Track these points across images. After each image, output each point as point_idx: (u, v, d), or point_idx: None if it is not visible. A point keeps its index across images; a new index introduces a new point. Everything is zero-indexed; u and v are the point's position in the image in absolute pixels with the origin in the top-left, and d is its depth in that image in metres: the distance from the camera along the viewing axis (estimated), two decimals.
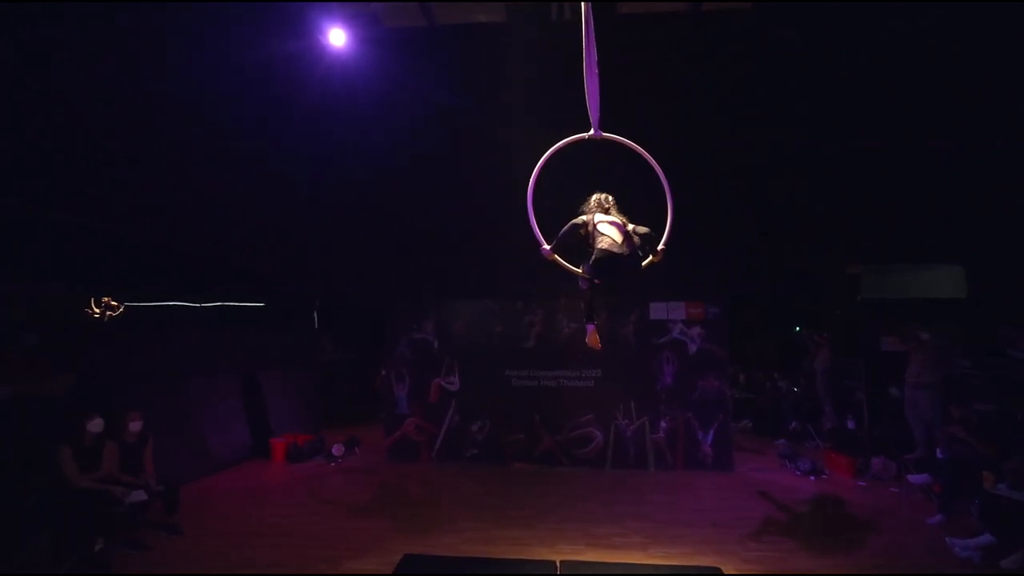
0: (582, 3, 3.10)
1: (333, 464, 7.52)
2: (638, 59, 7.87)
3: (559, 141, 3.32)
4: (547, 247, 3.27)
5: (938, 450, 6.21)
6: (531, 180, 3.19)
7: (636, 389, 7.52)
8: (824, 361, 7.97)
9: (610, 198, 3.55)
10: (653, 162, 3.37)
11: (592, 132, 3.28)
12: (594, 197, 3.54)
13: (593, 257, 3.23)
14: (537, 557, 4.60)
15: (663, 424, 7.45)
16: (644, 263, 3.34)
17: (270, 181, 8.28)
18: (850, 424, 7.84)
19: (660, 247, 3.33)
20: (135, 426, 4.87)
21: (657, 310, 7.64)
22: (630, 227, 3.35)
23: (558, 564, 4.41)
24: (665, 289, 7.70)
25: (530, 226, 3.19)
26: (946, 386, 6.27)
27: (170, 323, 8.06)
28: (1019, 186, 6.42)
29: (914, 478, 6.15)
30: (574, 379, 7.66)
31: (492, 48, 8.24)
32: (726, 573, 4.25)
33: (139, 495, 4.48)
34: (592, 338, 3.63)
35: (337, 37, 7.53)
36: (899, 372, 6.95)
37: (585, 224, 3.36)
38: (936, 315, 6.93)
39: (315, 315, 12.36)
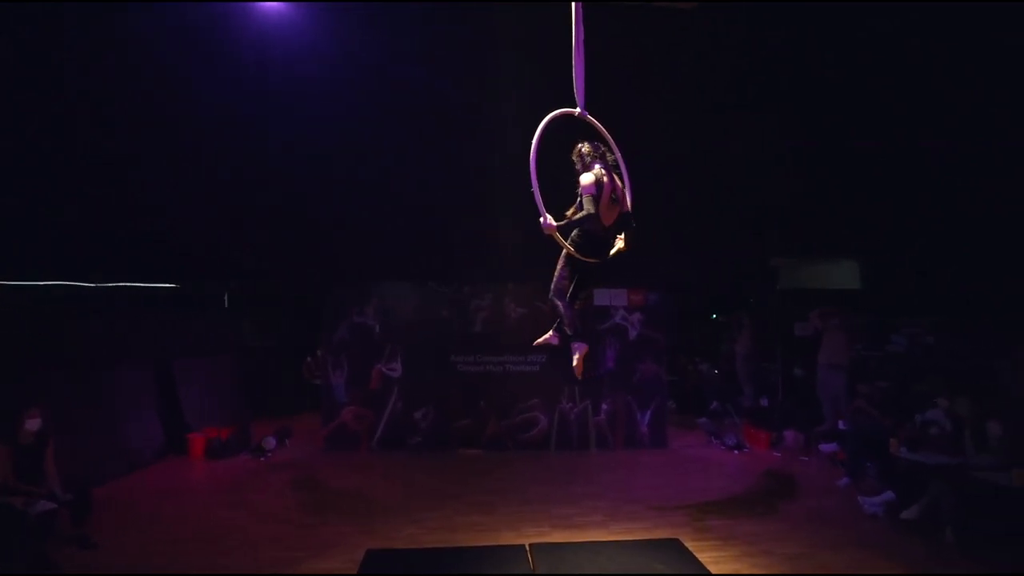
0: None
1: (263, 458, 6.92)
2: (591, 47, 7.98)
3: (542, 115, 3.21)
4: (551, 220, 3.01)
5: (841, 423, 7.06)
6: (533, 146, 3.00)
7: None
8: (745, 345, 8.68)
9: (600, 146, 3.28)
10: (618, 155, 3.38)
11: (579, 111, 3.25)
12: (585, 147, 3.24)
13: (586, 228, 3.08)
14: (505, 542, 4.56)
15: (604, 407, 7.71)
16: (611, 252, 3.32)
17: (186, 145, 7.37)
18: (764, 402, 8.64)
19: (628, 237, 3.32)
20: (32, 425, 4.09)
21: (600, 296, 7.84)
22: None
23: (528, 548, 4.40)
24: (607, 276, 7.93)
25: (533, 195, 2.96)
26: (852, 366, 7.10)
27: (68, 307, 6.89)
28: (908, 189, 7.39)
29: (824, 447, 6.92)
30: (520, 364, 7.68)
31: (449, 22, 7.94)
32: (684, 543, 4.50)
33: (45, 505, 3.78)
34: (579, 363, 3.38)
35: None
36: (810, 355, 7.75)
37: (599, 181, 3.09)
38: (838, 304, 7.80)
39: (225, 296, 11.25)
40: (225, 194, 7.82)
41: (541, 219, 3.02)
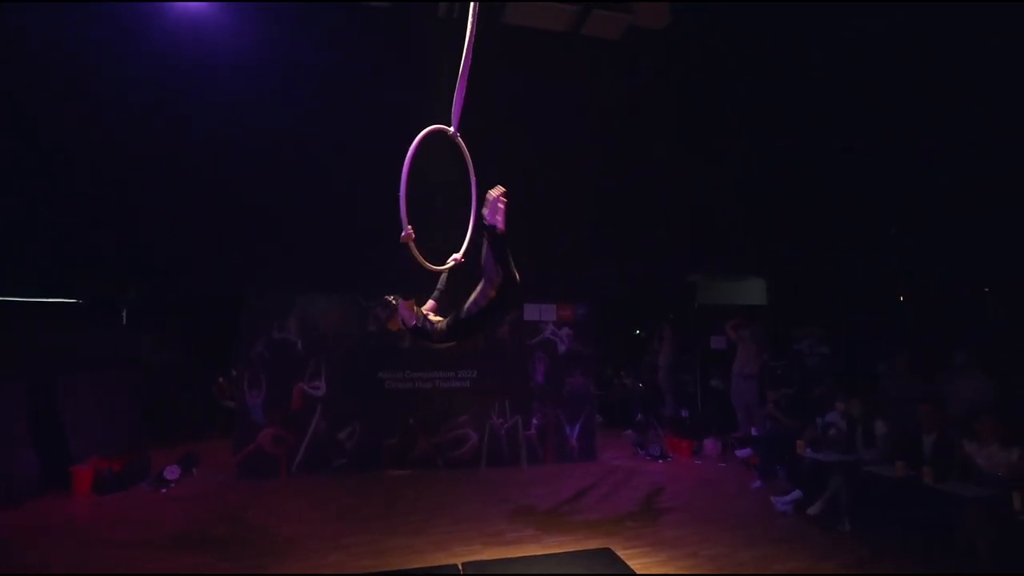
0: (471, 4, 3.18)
1: (165, 491, 6.23)
2: (506, 70, 8.23)
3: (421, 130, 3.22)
4: (410, 229, 2.98)
5: (753, 428, 7.56)
6: (407, 159, 2.96)
7: (511, 388, 7.70)
8: (667, 357, 9.11)
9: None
10: (473, 180, 3.42)
11: (452, 130, 3.26)
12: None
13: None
14: (436, 563, 4.41)
15: (535, 421, 7.74)
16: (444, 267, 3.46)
17: (80, 143, 6.67)
18: (684, 413, 9.08)
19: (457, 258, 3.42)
20: None
21: (530, 311, 7.94)
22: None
23: (460, 566, 4.29)
24: (538, 290, 8.07)
25: (399, 206, 2.89)
26: (762, 375, 7.65)
27: None
28: (808, 215, 8.19)
29: (739, 452, 7.35)
30: (450, 380, 7.55)
31: (368, 28, 7.83)
32: (616, 552, 4.57)
33: None
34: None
35: None
36: (724, 366, 8.28)
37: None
38: (748, 317, 8.43)
39: (124, 311, 10.19)
40: (118, 192, 7.15)
41: (403, 231, 2.97)
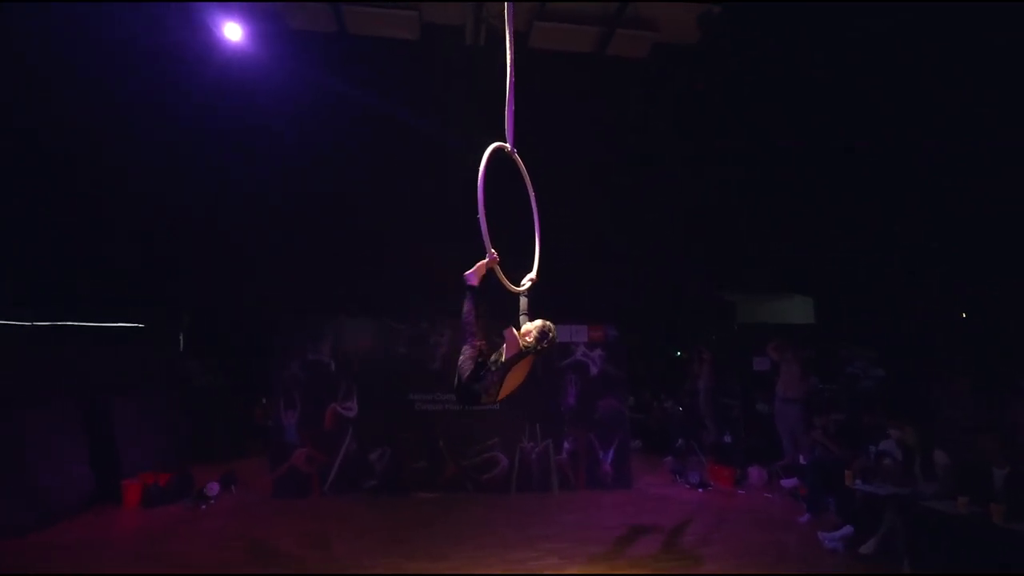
0: (506, 33, 3.27)
1: (205, 506, 6.48)
2: (543, 90, 8.32)
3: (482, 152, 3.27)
4: (495, 253, 3.08)
5: (801, 456, 7.06)
6: (480, 177, 3.02)
7: (541, 411, 7.56)
8: (707, 379, 8.72)
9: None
10: (532, 194, 3.45)
11: (509, 147, 3.32)
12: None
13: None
14: None
15: (566, 445, 7.55)
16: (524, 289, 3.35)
17: (138, 180, 7.26)
18: (727, 438, 8.62)
19: (533, 278, 3.33)
20: None
21: (561, 332, 7.77)
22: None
23: None
24: (569, 312, 7.97)
25: (480, 227, 2.97)
26: (808, 400, 7.17)
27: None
28: (854, 229, 7.75)
29: (785, 482, 6.88)
30: None
31: (406, 63, 8.18)
32: None
33: None
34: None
35: (232, 32, 6.98)
36: (768, 389, 7.83)
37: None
38: (792, 338, 7.97)
39: (181, 336, 10.85)
40: (172, 228, 7.68)
41: (487, 254, 3.06)
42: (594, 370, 7.79)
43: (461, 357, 3.21)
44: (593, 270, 8.44)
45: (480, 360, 3.18)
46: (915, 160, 6.85)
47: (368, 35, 7.57)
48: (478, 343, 3.26)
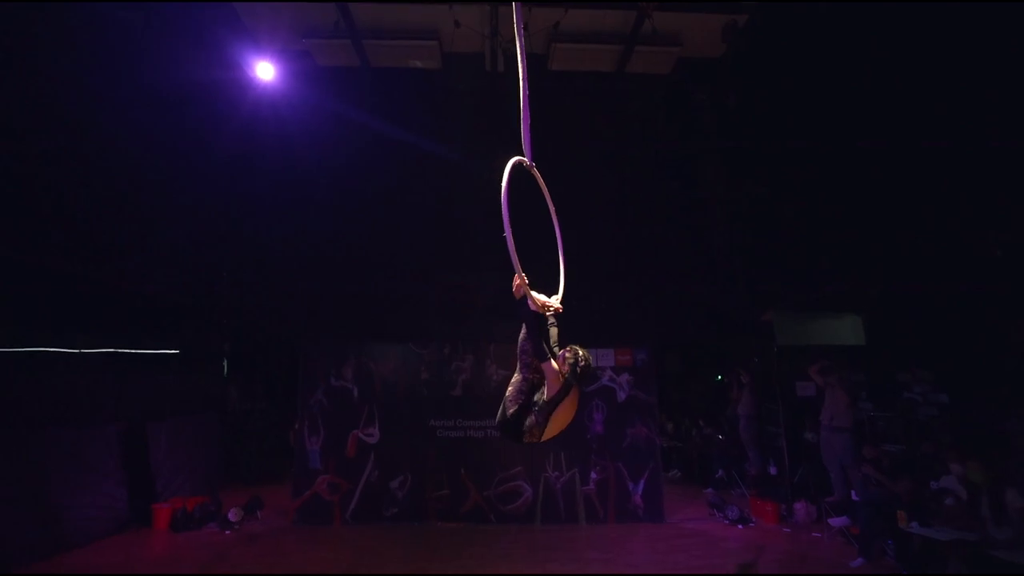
0: (517, 49, 3.18)
1: (229, 532, 6.55)
2: (567, 108, 8.25)
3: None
4: (524, 276, 2.81)
5: (853, 492, 6.41)
6: (503, 193, 2.83)
7: (566, 439, 7.25)
8: (747, 406, 8.16)
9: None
10: (553, 210, 3.25)
11: (528, 162, 3.18)
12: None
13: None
14: None
15: (594, 475, 7.20)
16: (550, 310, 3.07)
17: (180, 213, 7.65)
18: (772, 470, 7.99)
19: (557, 306, 3.06)
20: None
21: None
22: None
23: None
24: (594, 336, 7.69)
25: (508, 247, 2.71)
26: (857, 428, 6.54)
27: (28, 369, 6.86)
28: (911, 238, 7.13)
29: (834, 521, 6.25)
30: None
31: (427, 91, 8.33)
32: None
33: None
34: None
35: (265, 71, 7.33)
36: (814, 417, 7.22)
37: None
38: (841, 361, 7.34)
39: (224, 362, 11.25)
40: (211, 257, 8.02)
41: (516, 277, 2.81)
42: (622, 396, 7.44)
43: (510, 388, 2.94)
44: (623, 291, 8.15)
45: (528, 393, 2.90)
46: (976, 161, 6.26)
47: (391, 66, 7.81)
48: (531, 376, 2.94)
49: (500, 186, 2.79)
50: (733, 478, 8.30)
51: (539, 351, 2.79)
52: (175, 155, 7.09)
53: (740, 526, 6.85)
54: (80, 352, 7.48)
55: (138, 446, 6.96)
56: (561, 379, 2.76)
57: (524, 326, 2.90)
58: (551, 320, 3.02)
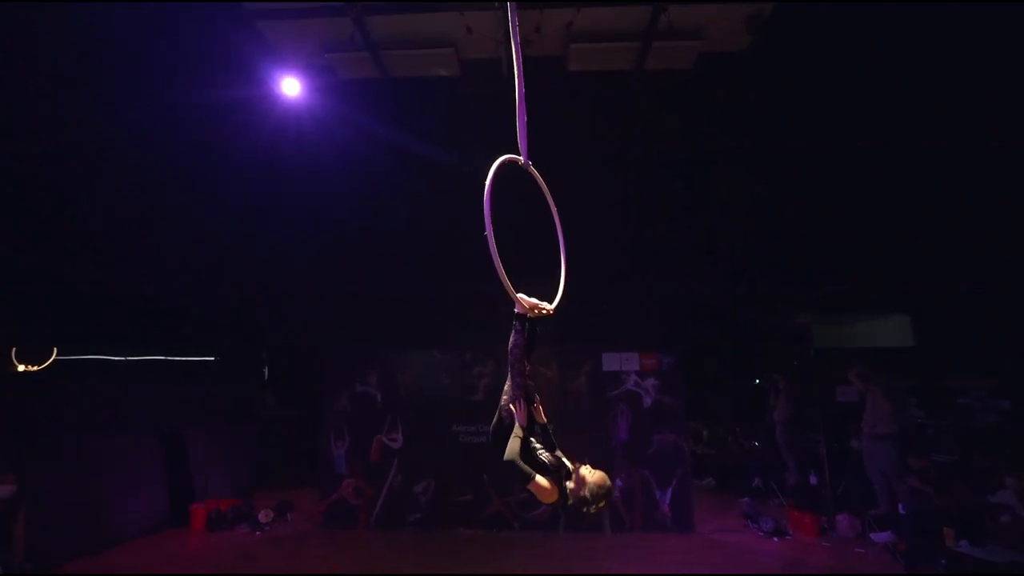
0: (512, 45, 3.14)
1: (259, 533, 6.76)
2: (586, 109, 8.12)
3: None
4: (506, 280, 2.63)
5: (900, 505, 5.96)
6: (487, 191, 2.75)
7: (590, 445, 7.11)
8: (784, 412, 7.75)
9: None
10: (555, 212, 3.15)
11: (523, 160, 3.12)
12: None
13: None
14: None
15: (619, 483, 7.00)
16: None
17: (214, 229, 8.00)
18: (812, 480, 7.54)
19: (553, 305, 2.89)
20: (4, 491, 4.23)
21: (610, 361, 7.39)
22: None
23: None
24: (618, 339, 7.51)
25: (488, 248, 2.57)
26: (903, 437, 6.08)
27: (79, 376, 7.35)
28: (959, 237, 6.60)
29: (877, 536, 5.83)
30: None
31: (447, 99, 8.40)
32: None
33: None
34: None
35: (291, 87, 7.58)
36: (856, 423, 6.77)
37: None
38: (887, 365, 6.86)
39: (265, 369, 11.68)
40: (245, 269, 8.33)
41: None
42: (647, 401, 7.22)
43: (504, 397, 2.83)
44: (649, 292, 7.93)
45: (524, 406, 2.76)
46: None
47: (410, 76, 7.93)
48: (524, 382, 2.80)
49: (485, 183, 2.73)
50: (770, 487, 7.90)
51: (514, 362, 2.73)
52: (207, 172, 7.42)
53: (775, 538, 6.49)
54: (125, 360, 7.94)
55: (177, 450, 7.30)
56: (558, 494, 2.59)
57: (513, 329, 2.83)
58: (537, 328, 2.88)
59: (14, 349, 8.24)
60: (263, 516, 6.90)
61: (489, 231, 2.61)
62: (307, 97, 7.57)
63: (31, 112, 5.17)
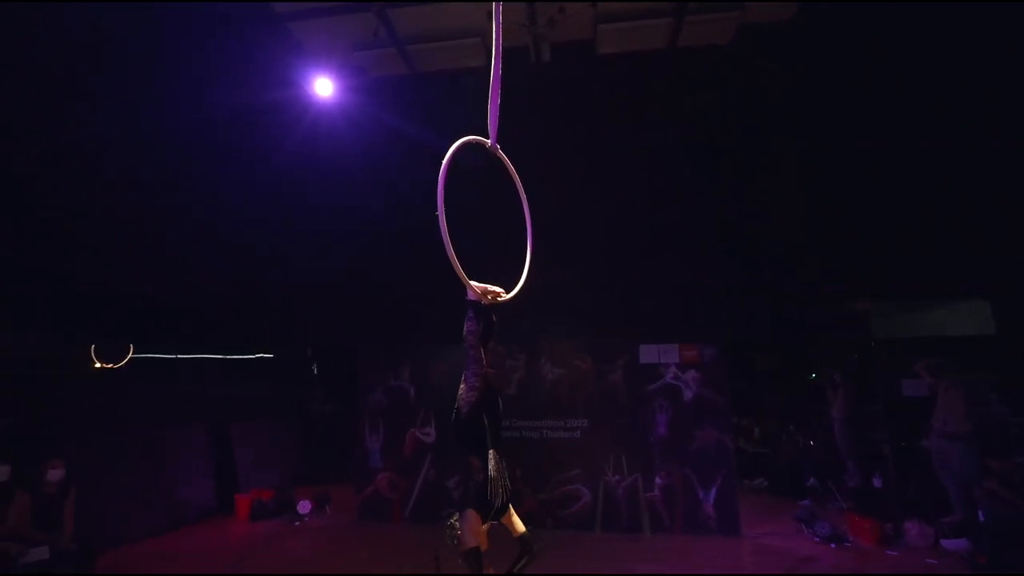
0: (493, 20, 3.01)
1: (297, 523, 6.92)
2: (618, 95, 7.80)
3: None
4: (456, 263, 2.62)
5: (980, 512, 5.31)
6: (442, 171, 2.65)
7: (627, 441, 6.82)
8: (841, 409, 7.13)
9: None
10: (523, 196, 3.08)
11: (490, 143, 3.00)
12: None
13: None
14: None
15: (658, 481, 6.66)
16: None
17: (253, 242, 8.27)
18: (876, 482, 6.89)
19: (512, 294, 2.84)
20: (54, 475, 4.48)
21: (648, 353, 7.05)
22: None
23: None
24: (656, 330, 7.16)
25: (440, 229, 2.54)
26: (980, 436, 5.41)
27: (141, 374, 7.80)
28: None
29: (949, 543, 5.21)
30: (559, 430, 7.02)
31: (475, 92, 8.29)
32: None
33: (39, 553, 4.03)
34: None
35: (324, 87, 7.72)
36: (925, 420, 6.12)
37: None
38: (962, 356, 6.15)
39: (313, 367, 12.04)
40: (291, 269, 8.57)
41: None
42: (688, 395, 6.83)
43: (461, 386, 2.86)
44: (691, 280, 7.51)
45: (482, 391, 2.78)
46: None
47: (437, 70, 7.90)
48: (482, 371, 2.84)
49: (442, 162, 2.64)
50: (828, 490, 7.29)
51: (469, 349, 2.75)
52: (241, 182, 7.66)
53: (833, 545, 5.95)
54: (175, 358, 8.36)
55: (224, 444, 7.61)
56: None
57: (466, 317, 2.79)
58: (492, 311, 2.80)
59: (94, 347, 8.86)
60: (302, 507, 7.05)
61: (441, 212, 2.55)
62: (338, 97, 7.69)
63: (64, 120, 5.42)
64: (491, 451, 2.75)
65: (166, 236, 7.39)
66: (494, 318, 2.84)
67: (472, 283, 2.70)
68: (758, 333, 7.82)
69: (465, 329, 2.73)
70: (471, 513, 2.65)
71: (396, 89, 8.12)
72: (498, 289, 2.83)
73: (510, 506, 2.82)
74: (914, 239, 6.55)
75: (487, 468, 2.69)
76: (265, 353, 10.18)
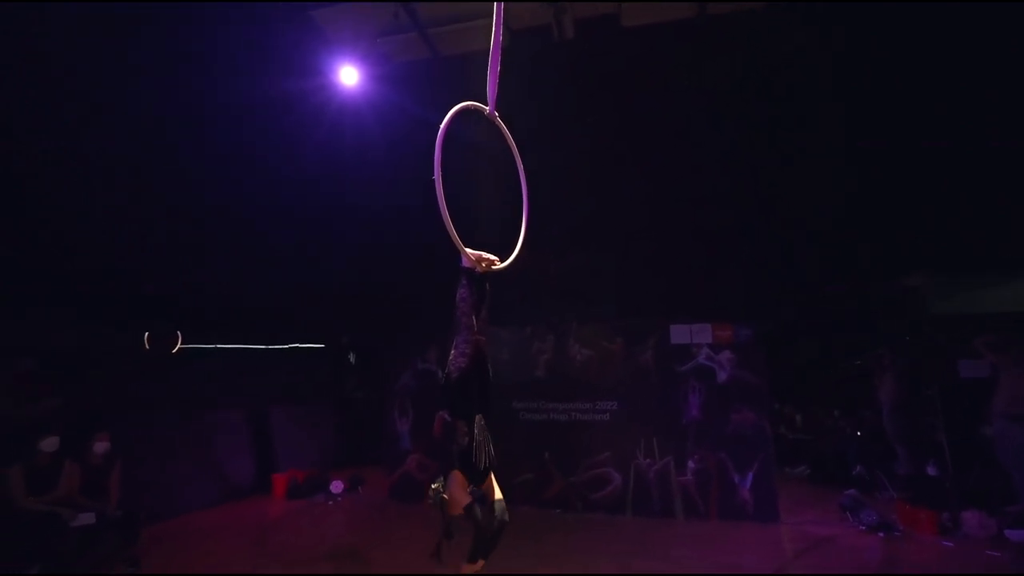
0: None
1: (331, 503, 7.09)
2: (647, 68, 7.51)
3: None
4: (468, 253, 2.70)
5: None
6: (440, 135, 2.60)
7: (658, 423, 6.63)
8: (890, 393, 6.70)
9: None
10: (520, 165, 3.04)
11: (489, 110, 2.93)
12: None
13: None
14: None
15: (691, 465, 6.45)
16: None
17: (287, 222, 8.45)
18: (930, 470, 6.45)
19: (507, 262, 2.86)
20: (100, 447, 4.73)
21: (679, 333, 6.81)
22: None
23: None
24: (688, 309, 6.91)
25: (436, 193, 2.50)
26: None
27: (187, 358, 8.17)
28: None
29: (1012, 534, 4.81)
30: (588, 412, 6.89)
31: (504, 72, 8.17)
32: None
33: (86, 518, 4.26)
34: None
35: (349, 76, 7.77)
36: (984, 404, 5.67)
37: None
38: (1016, 331, 5.64)
39: (350, 355, 12.32)
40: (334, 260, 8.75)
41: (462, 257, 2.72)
42: (722, 376, 6.57)
43: (452, 352, 2.86)
44: (727, 257, 7.20)
45: (472, 358, 2.79)
46: None
47: (461, 53, 7.84)
48: (475, 337, 2.86)
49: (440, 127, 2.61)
50: (877, 478, 6.88)
51: (462, 316, 2.75)
52: (277, 169, 7.82)
53: (881, 534, 5.61)
54: (234, 348, 8.71)
55: (263, 426, 7.89)
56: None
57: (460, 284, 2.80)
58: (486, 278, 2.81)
59: (147, 334, 9.35)
60: (335, 487, 7.22)
61: (438, 176, 2.52)
62: (363, 86, 7.72)
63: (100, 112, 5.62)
64: (477, 416, 2.70)
65: (214, 238, 7.63)
66: (488, 286, 2.82)
67: (467, 250, 2.65)
68: (799, 313, 7.44)
69: (458, 296, 2.72)
70: (456, 474, 2.67)
71: (420, 77, 8.10)
72: (493, 257, 2.80)
73: (491, 472, 2.74)
74: (973, 207, 6.06)
75: (472, 432, 2.64)
76: (305, 343, 10.47)
